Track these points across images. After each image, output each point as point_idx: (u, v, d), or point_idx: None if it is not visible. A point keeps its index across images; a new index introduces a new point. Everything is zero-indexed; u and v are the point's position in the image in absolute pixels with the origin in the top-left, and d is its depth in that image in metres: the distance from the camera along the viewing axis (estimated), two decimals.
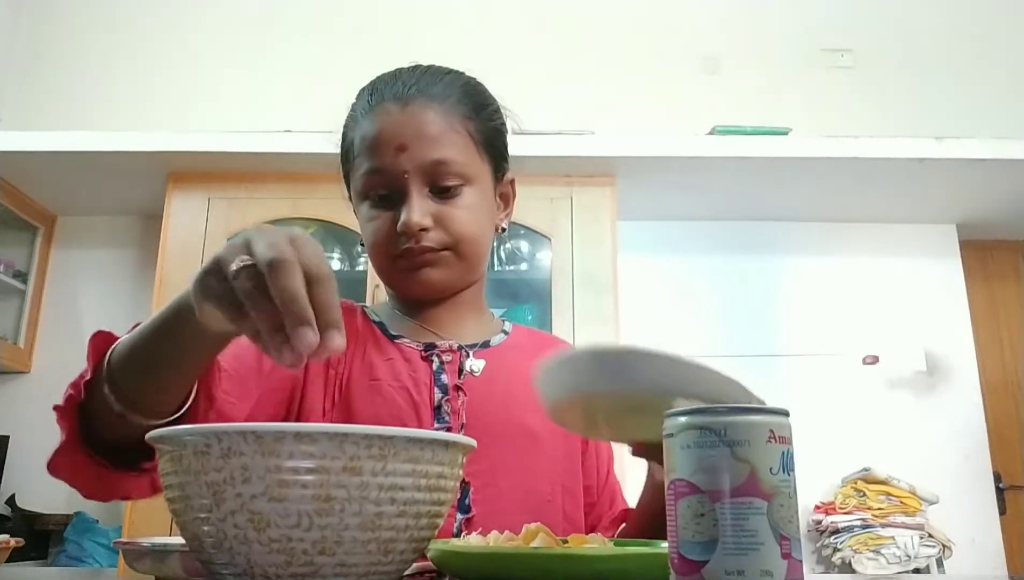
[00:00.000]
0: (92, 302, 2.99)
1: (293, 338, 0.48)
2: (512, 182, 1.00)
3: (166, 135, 2.58)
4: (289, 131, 2.57)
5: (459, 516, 0.84)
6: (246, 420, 0.79)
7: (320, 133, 2.69)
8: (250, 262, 0.51)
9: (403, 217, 0.85)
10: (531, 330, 1.10)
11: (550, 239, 2.64)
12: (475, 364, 0.92)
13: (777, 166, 2.65)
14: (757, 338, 2.96)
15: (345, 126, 0.96)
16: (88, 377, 0.69)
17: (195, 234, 2.61)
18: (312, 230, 2.73)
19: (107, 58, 3.10)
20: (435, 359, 0.91)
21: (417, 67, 0.94)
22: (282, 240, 0.52)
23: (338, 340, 0.50)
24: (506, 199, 1.00)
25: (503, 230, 0.99)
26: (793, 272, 3.05)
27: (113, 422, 0.67)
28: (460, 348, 0.93)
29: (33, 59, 3.09)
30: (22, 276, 2.92)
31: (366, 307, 1.00)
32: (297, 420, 0.87)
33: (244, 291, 0.50)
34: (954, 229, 3.09)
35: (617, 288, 2.58)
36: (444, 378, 0.90)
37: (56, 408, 0.69)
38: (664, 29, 3.17)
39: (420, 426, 0.86)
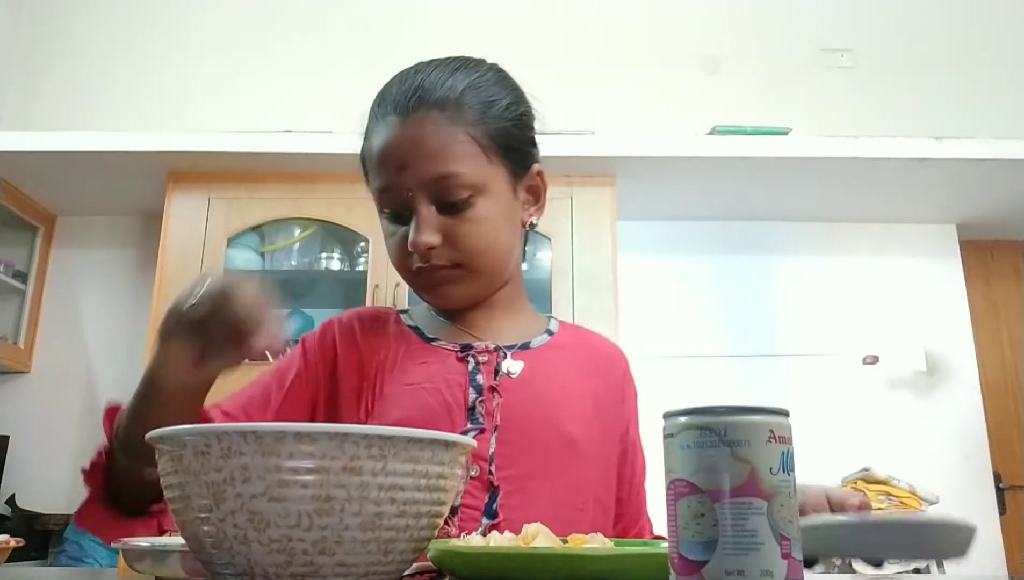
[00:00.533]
0: (92, 302, 2.99)
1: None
2: (540, 174, 0.95)
3: (166, 135, 2.58)
4: (289, 131, 2.57)
5: (485, 521, 0.81)
6: None
7: (320, 133, 2.71)
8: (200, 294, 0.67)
9: (411, 237, 0.84)
10: (579, 329, 1.06)
11: (550, 239, 2.64)
12: (513, 366, 0.90)
13: (777, 166, 2.65)
14: (757, 338, 2.96)
15: (365, 131, 0.92)
16: (107, 444, 0.78)
17: (195, 234, 2.61)
18: (312, 230, 2.73)
19: (107, 58, 3.10)
20: (471, 360, 0.89)
21: (426, 65, 0.89)
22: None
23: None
24: (535, 192, 0.95)
25: (532, 226, 0.96)
26: (793, 272, 3.05)
27: (132, 478, 0.75)
28: (497, 349, 0.91)
29: (33, 59, 3.09)
30: (22, 276, 2.92)
31: (403, 312, 0.99)
32: None
33: (201, 312, 0.66)
34: (954, 229, 3.09)
35: (617, 288, 2.58)
36: (480, 379, 0.88)
37: (83, 471, 0.78)
38: (664, 29, 3.17)
39: (452, 427, 0.84)
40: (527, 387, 0.89)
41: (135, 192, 2.82)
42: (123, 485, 0.77)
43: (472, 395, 0.86)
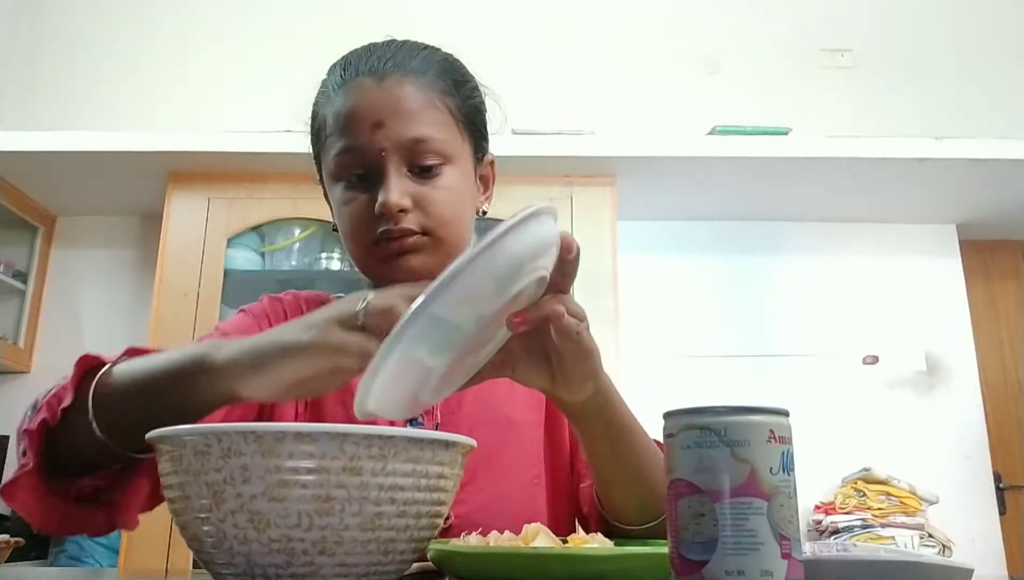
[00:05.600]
0: (92, 302, 2.99)
1: None
2: (492, 164, 0.95)
3: (166, 135, 2.58)
4: (289, 131, 2.56)
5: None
6: None
7: None
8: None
9: (381, 197, 0.80)
10: None
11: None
12: None
13: (777, 166, 2.65)
14: (757, 338, 2.96)
15: (316, 103, 0.91)
16: (68, 402, 0.66)
17: (195, 234, 2.60)
18: (312, 230, 2.73)
19: (107, 58, 3.10)
20: None
21: (392, 41, 0.89)
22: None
23: None
24: (486, 181, 0.95)
25: (483, 214, 0.94)
26: (793, 272, 3.05)
27: (87, 450, 0.66)
28: None
29: (33, 59, 3.09)
30: (22, 276, 2.92)
31: (340, 297, 0.98)
32: None
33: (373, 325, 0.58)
34: (954, 229, 3.09)
35: (617, 288, 2.57)
36: None
37: (25, 431, 0.66)
38: (664, 29, 3.17)
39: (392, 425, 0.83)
40: None
41: (135, 192, 2.82)
42: (74, 454, 0.67)
43: None
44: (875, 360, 2.92)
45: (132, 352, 0.72)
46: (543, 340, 0.67)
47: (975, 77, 3.11)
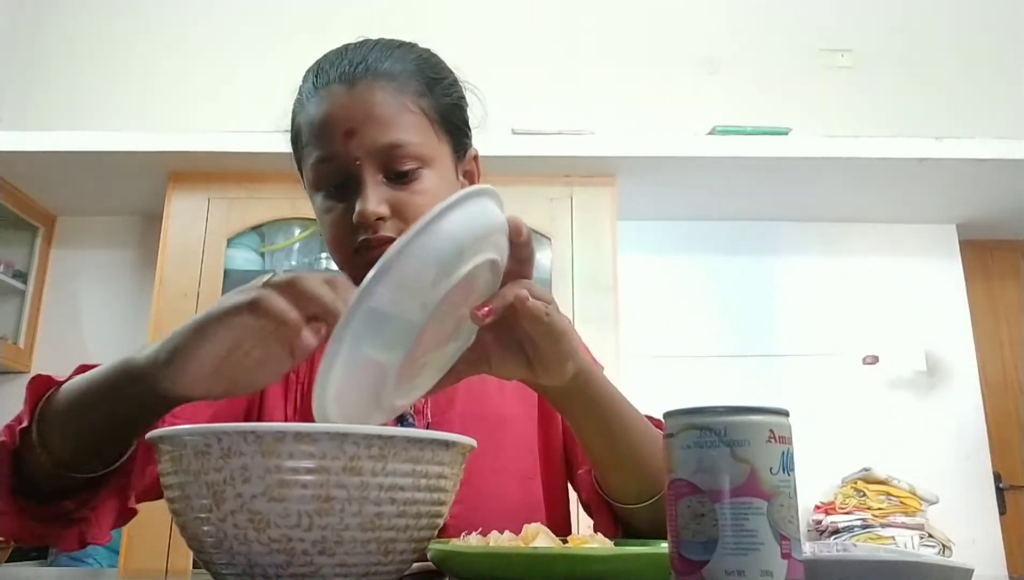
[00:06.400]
0: (92, 302, 2.99)
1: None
2: (476, 158, 0.93)
3: (166, 135, 2.58)
4: (289, 131, 2.57)
5: None
6: None
7: None
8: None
9: (358, 207, 0.79)
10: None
11: (550, 239, 2.64)
12: None
13: (777, 166, 2.65)
14: (757, 338, 2.96)
15: (293, 111, 0.90)
16: (24, 424, 0.67)
17: (195, 234, 2.60)
18: (312, 230, 2.73)
19: (107, 58, 3.10)
20: None
21: (365, 42, 0.88)
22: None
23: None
24: (470, 177, 0.93)
25: None
26: (793, 272, 3.05)
27: (45, 473, 0.66)
28: None
29: (33, 59, 3.09)
30: (22, 276, 2.92)
31: None
32: None
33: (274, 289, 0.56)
34: (954, 229, 3.09)
35: (617, 288, 2.58)
36: None
37: None
38: (664, 29, 3.17)
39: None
40: None
41: (135, 192, 2.82)
42: (35, 476, 0.67)
43: None
44: (875, 360, 2.92)
45: (82, 369, 0.70)
46: (514, 329, 0.65)
47: (975, 77, 3.11)
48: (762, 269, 3.05)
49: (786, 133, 2.67)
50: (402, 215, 0.81)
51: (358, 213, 0.79)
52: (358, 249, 0.81)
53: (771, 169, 2.67)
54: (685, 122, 2.79)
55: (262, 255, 2.76)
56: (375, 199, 0.79)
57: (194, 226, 2.62)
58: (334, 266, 3.04)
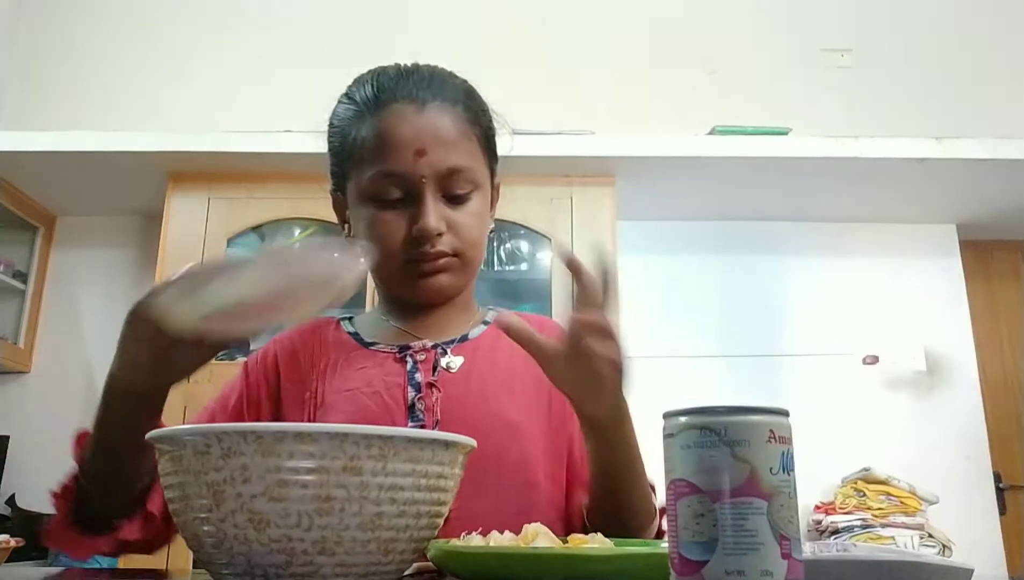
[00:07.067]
0: (92, 302, 2.99)
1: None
2: (498, 187, 1.00)
3: (166, 135, 2.58)
4: (289, 131, 2.57)
5: None
6: None
7: (320, 133, 2.69)
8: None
9: (420, 222, 0.85)
10: (519, 315, 1.09)
11: (550, 239, 2.64)
12: (452, 361, 0.92)
13: (777, 166, 2.65)
14: (757, 338, 2.96)
15: (341, 118, 0.94)
16: (76, 469, 0.79)
17: (195, 234, 2.61)
18: (312, 230, 2.73)
19: (107, 58, 3.10)
20: (408, 359, 0.91)
21: (421, 67, 0.93)
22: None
23: None
24: (493, 202, 1.00)
25: (491, 230, 0.99)
26: (793, 272, 3.05)
27: (98, 502, 0.78)
28: (435, 346, 0.93)
29: (33, 59, 3.09)
30: (22, 276, 2.92)
31: (344, 318, 1.01)
32: None
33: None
34: (954, 229, 3.09)
35: (617, 288, 2.57)
36: (418, 377, 0.90)
37: (53, 494, 0.79)
38: (664, 29, 3.17)
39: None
40: (466, 379, 0.91)
41: (135, 192, 2.82)
42: (90, 506, 0.79)
43: (411, 393, 0.89)
44: (875, 360, 2.92)
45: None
46: (581, 346, 0.72)
47: (975, 77, 3.11)
48: (762, 269, 3.05)
49: (786, 133, 2.67)
50: (455, 232, 0.88)
51: (419, 228, 0.85)
52: (410, 260, 0.88)
53: (771, 169, 2.67)
54: (685, 122, 2.79)
55: None
56: (435, 216, 0.86)
57: (194, 226, 2.62)
58: None
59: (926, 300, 3.01)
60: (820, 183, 2.77)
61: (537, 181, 2.61)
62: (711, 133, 2.66)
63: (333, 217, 1.02)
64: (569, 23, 3.16)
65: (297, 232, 2.75)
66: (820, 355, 2.93)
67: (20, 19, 3.13)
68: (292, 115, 2.71)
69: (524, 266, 2.77)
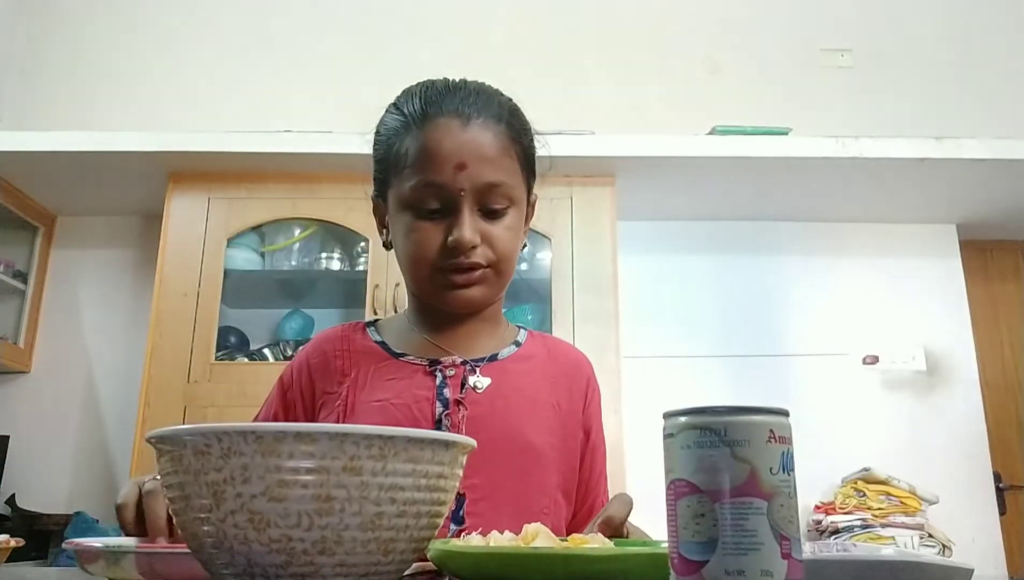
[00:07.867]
0: (92, 302, 2.99)
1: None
2: (534, 203, 1.03)
3: (166, 135, 2.58)
4: (289, 131, 2.57)
5: (452, 527, 0.86)
6: None
7: (320, 133, 2.71)
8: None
9: (456, 233, 0.88)
10: (546, 338, 1.10)
11: (550, 239, 2.64)
12: (480, 381, 0.94)
13: (777, 166, 2.65)
14: (757, 338, 2.96)
15: (388, 127, 0.96)
16: None
17: (195, 234, 2.61)
18: (312, 230, 2.73)
19: (107, 58, 3.10)
20: (438, 374, 0.93)
21: (468, 83, 0.96)
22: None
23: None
24: (528, 217, 1.02)
25: (524, 246, 1.02)
26: (793, 272, 3.05)
27: None
28: (465, 363, 0.95)
29: (33, 59, 3.09)
30: (22, 276, 2.92)
31: (370, 324, 1.02)
32: None
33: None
34: (954, 229, 3.09)
35: (617, 288, 2.58)
36: (446, 393, 0.91)
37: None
38: (664, 29, 3.17)
39: None
40: (492, 399, 0.93)
41: (135, 192, 2.82)
42: None
43: (439, 409, 0.90)
44: (875, 360, 2.92)
45: None
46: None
47: (975, 77, 3.11)
48: (762, 269, 3.05)
49: (786, 133, 2.67)
50: (490, 245, 0.91)
51: (455, 239, 0.88)
52: (443, 269, 0.90)
53: (771, 169, 2.67)
54: (685, 122, 2.79)
55: (262, 255, 2.76)
56: (471, 229, 0.89)
57: (194, 226, 2.62)
58: (335, 266, 3.03)
59: (926, 300, 3.01)
60: (820, 183, 2.77)
61: (537, 181, 2.61)
62: (711, 133, 2.66)
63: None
64: (569, 23, 3.16)
65: (297, 232, 2.75)
66: (820, 355, 2.93)
67: (20, 19, 3.13)
68: (292, 115, 2.71)
69: (524, 266, 2.77)
